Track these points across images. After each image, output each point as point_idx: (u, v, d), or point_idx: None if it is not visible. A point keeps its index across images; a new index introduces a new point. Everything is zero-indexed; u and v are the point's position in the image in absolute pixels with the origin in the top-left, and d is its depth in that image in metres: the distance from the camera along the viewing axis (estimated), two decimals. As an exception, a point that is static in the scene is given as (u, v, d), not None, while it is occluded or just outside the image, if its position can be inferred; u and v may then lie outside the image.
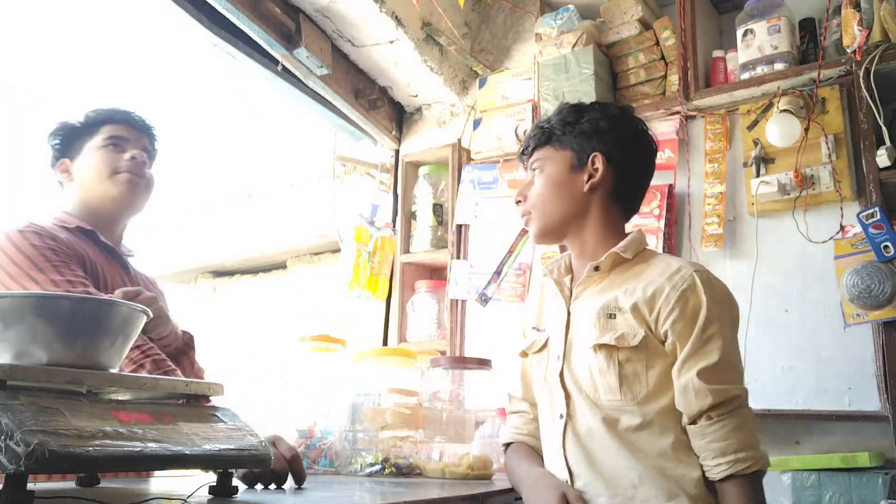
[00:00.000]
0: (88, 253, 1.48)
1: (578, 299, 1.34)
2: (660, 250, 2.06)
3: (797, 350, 1.94)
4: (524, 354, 1.45)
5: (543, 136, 1.39)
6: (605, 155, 1.33)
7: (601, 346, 1.23)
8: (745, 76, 2.14)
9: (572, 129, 1.36)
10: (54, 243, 1.39)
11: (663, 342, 1.22)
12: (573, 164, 1.35)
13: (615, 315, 1.24)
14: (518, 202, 1.41)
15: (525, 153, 1.43)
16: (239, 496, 0.90)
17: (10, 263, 1.34)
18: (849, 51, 1.94)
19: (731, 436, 1.14)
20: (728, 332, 1.21)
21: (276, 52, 2.23)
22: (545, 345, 1.38)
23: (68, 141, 1.61)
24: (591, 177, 1.33)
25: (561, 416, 1.28)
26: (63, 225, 1.50)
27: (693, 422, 1.17)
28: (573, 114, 1.38)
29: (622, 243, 1.31)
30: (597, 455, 1.23)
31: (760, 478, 1.16)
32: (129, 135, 1.61)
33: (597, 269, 1.31)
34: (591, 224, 1.35)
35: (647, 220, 2.17)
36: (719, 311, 1.21)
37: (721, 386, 1.16)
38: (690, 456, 1.19)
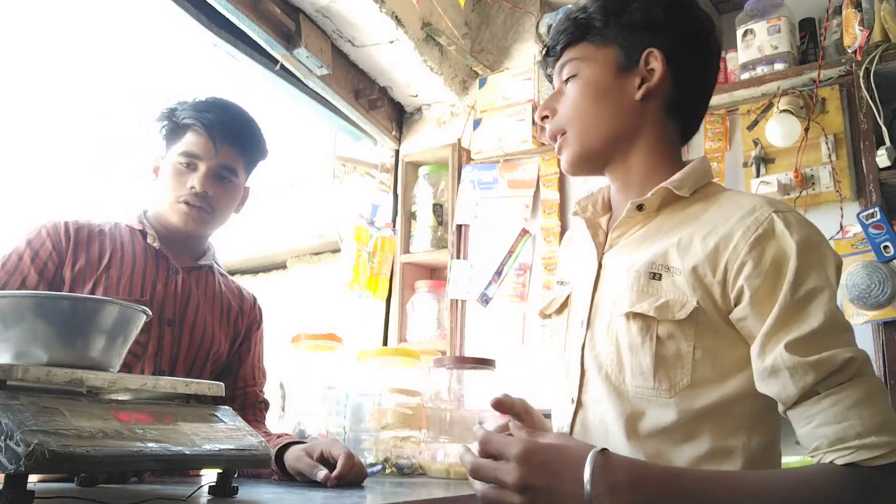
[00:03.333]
0: (132, 253, 1.44)
1: (614, 248, 1.01)
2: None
3: (797, 350, 1.94)
4: (543, 315, 1.14)
5: (579, 29, 1.03)
6: (662, 51, 0.99)
7: (636, 316, 0.92)
8: (745, 76, 2.14)
9: (618, 20, 1.01)
10: (36, 250, 1.37)
11: (727, 314, 0.88)
12: (621, 65, 1.00)
13: (661, 275, 0.92)
14: (544, 118, 1.07)
15: (551, 54, 1.07)
16: (239, 496, 0.90)
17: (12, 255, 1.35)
18: (850, 50, 1.95)
19: (850, 414, 0.77)
20: (830, 288, 0.85)
21: (276, 52, 2.24)
22: (566, 303, 1.07)
23: (166, 134, 1.49)
24: (644, 80, 0.99)
25: (572, 402, 0.99)
26: (129, 225, 1.48)
27: (793, 406, 0.83)
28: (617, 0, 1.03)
29: (679, 175, 0.97)
30: None
31: None
32: (205, 148, 1.44)
33: (640, 208, 0.98)
34: (641, 145, 1.01)
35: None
36: (816, 259, 0.85)
37: (823, 354, 0.79)
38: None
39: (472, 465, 0.83)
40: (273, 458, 0.98)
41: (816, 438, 0.80)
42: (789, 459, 1.85)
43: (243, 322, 1.60)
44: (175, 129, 1.47)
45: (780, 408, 0.85)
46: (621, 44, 1.01)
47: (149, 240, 1.47)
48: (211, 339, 1.50)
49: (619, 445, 0.90)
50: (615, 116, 1.01)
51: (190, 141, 1.45)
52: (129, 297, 1.38)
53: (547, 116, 1.06)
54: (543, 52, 1.09)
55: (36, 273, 1.35)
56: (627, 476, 0.76)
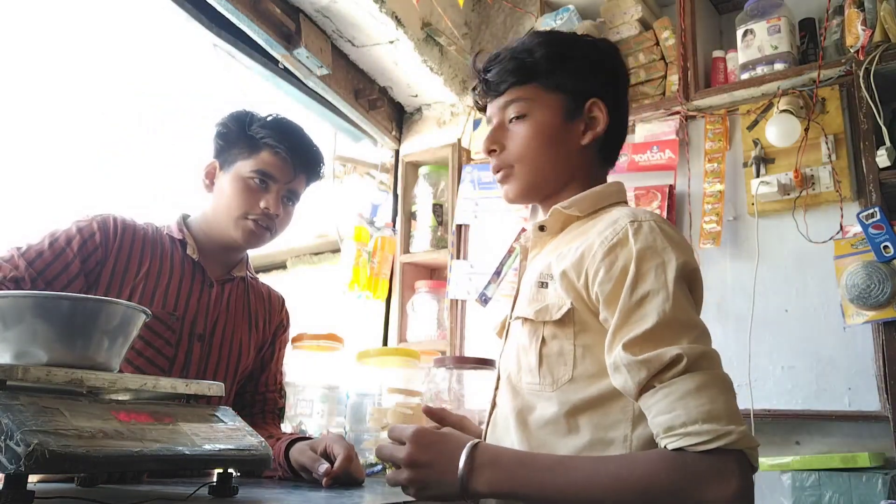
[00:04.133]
0: (169, 263, 1.42)
1: (528, 268, 1.12)
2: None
3: (797, 350, 1.94)
4: (498, 335, 1.21)
5: (525, 71, 1.08)
6: (604, 101, 1.08)
7: (525, 320, 1.02)
8: (745, 76, 2.14)
9: (563, 67, 1.08)
10: (84, 240, 1.34)
11: (597, 314, 0.96)
12: (568, 111, 1.08)
13: (546, 283, 1.01)
14: (491, 151, 1.12)
15: (493, 89, 1.12)
16: (239, 496, 0.90)
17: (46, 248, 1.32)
18: (852, 50, 1.95)
19: (677, 405, 0.82)
20: (670, 286, 0.89)
21: (276, 52, 2.24)
22: (504, 323, 1.17)
23: (228, 142, 1.48)
24: (587, 127, 1.09)
25: (490, 403, 1.10)
26: (168, 232, 1.46)
27: (637, 399, 0.89)
28: (560, 45, 1.09)
29: (573, 198, 1.07)
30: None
31: (736, 459, 0.80)
32: (282, 171, 1.45)
33: (542, 228, 1.09)
34: (577, 181, 1.10)
35: (647, 220, 2.17)
36: (656, 263, 0.91)
37: (652, 352, 0.85)
38: None
39: (377, 447, 0.99)
40: (273, 457, 0.98)
41: (654, 427, 0.86)
42: (787, 459, 1.85)
43: (270, 327, 1.60)
44: (248, 142, 1.46)
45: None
46: (568, 91, 1.08)
47: (188, 251, 1.46)
48: (238, 353, 1.49)
49: (514, 437, 1.00)
50: (561, 159, 1.09)
51: (268, 161, 1.45)
52: (163, 309, 1.38)
53: (495, 150, 1.12)
54: (483, 86, 1.14)
55: (79, 262, 1.32)
56: (487, 458, 0.90)
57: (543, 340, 0.99)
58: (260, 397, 1.56)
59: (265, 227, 1.46)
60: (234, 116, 1.49)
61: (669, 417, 0.83)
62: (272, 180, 1.45)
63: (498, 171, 1.13)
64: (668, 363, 0.84)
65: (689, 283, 0.94)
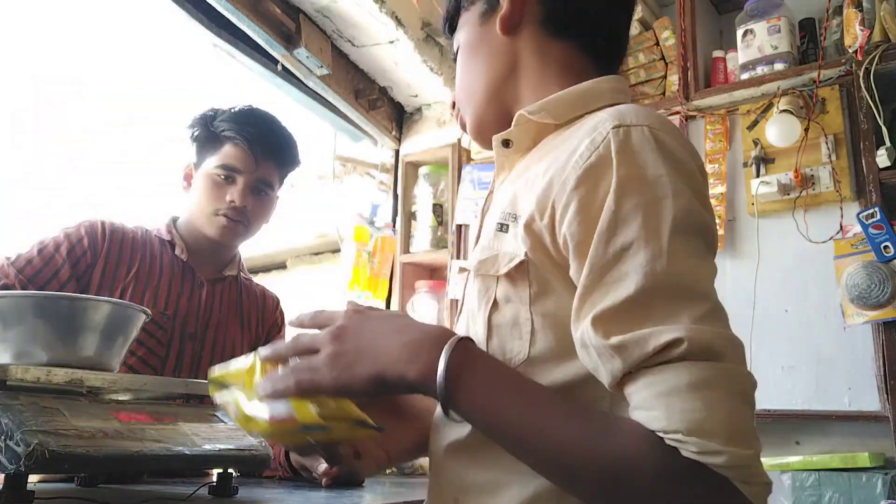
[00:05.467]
0: (159, 264, 1.43)
1: (493, 200, 0.85)
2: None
3: (797, 350, 1.94)
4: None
5: (453, 8, 0.90)
6: None
7: (476, 276, 0.75)
8: (745, 76, 2.14)
9: None
10: (73, 245, 1.35)
11: (567, 269, 0.66)
12: (484, 13, 0.85)
13: (507, 226, 0.73)
14: (454, 105, 0.93)
15: (449, 35, 0.93)
16: (239, 496, 0.90)
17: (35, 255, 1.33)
18: (850, 50, 1.94)
19: (657, 403, 0.56)
20: (664, 234, 0.61)
21: (276, 52, 2.24)
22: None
23: (199, 142, 1.48)
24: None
25: None
26: (158, 234, 1.48)
27: (614, 388, 0.62)
28: None
29: (540, 101, 0.78)
30: (434, 452, 0.78)
31: (723, 490, 0.54)
32: (245, 162, 1.43)
33: (506, 144, 0.81)
34: (526, 80, 0.82)
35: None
36: (646, 199, 0.62)
37: (630, 335, 0.58)
38: None
39: (290, 342, 0.72)
40: (273, 457, 0.98)
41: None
42: (790, 459, 1.85)
43: (264, 327, 1.60)
44: (212, 139, 1.46)
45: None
46: None
47: (177, 251, 1.47)
48: (231, 353, 1.49)
49: (441, 432, 0.76)
50: (486, 63, 0.85)
51: (229, 154, 1.44)
52: (154, 309, 1.37)
53: (454, 103, 0.93)
54: (446, 33, 0.94)
55: (69, 267, 1.33)
56: (479, 365, 0.66)
57: (495, 303, 0.72)
58: None
59: (237, 220, 1.44)
60: (201, 115, 1.49)
61: (646, 416, 0.57)
62: (237, 173, 1.44)
63: (461, 123, 0.92)
64: (652, 352, 0.57)
65: (698, 230, 0.64)
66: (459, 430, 0.72)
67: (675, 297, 0.60)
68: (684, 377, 0.56)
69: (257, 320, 1.58)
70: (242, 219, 1.45)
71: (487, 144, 0.85)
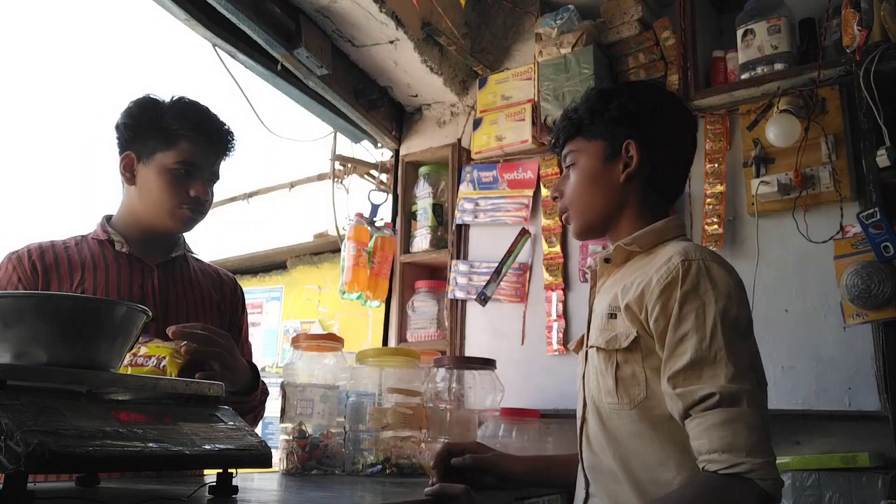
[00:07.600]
0: (103, 263, 1.46)
1: (598, 295, 1.30)
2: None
3: (797, 350, 1.94)
4: (575, 351, 1.39)
5: (573, 127, 1.32)
6: (638, 141, 1.26)
7: (598, 349, 1.19)
8: (745, 76, 2.14)
9: (601, 118, 1.29)
10: (22, 272, 1.40)
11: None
12: (606, 155, 1.28)
13: (615, 315, 1.18)
14: (555, 198, 1.36)
15: (556, 146, 1.38)
16: (239, 496, 0.90)
17: None
18: (848, 51, 1.94)
19: (704, 434, 1.02)
20: (707, 327, 1.07)
21: (276, 52, 2.23)
22: (581, 341, 1.33)
23: (142, 133, 1.50)
24: (626, 166, 1.26)
25: (579, 419, 1.26)
26: (94, 237, 1.50)
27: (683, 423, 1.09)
28: (600, 100, 1.31)
29: (633, 235, 1.25)
30: (602, 464, 1.18)
31: (744, 490, 0.99)
32: (204, 157, 1.52)
33: (607, 261, 1.27)
34: (628, 215, 1.28)
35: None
36: (696, 305, 1.08)
37: (686, 388, 1.05)
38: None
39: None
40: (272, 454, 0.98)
41: (693, 449, 1.05)
42: (787, 459, 1.85)
43: (227, 308, 1.65)
44: (165, 135, 1.48)
45: None
46: (605, 137, 1.28)
47: (117, 247, 1.50)
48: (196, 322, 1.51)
49: (605, 449, 1.17)
50: (604, 196, 1.28)
51: (189, 150, 1.49)
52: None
53: (557, 197, 1.35)
54: (552, 143, 1.41)
55: None
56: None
57: (617, 365, 1.15)
58: None
59: (198, 211, 1.53)
60: (141, 106, 1.52)
61: (698, 444, 1.03)
62: (196, 168, 1.51)
63: (562, 215, 1.35)
64: (698, 400, 1.03)
65: (732, 323, 1.08)
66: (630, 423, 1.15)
67: (714, 365, 1.04)
68: (718, 418, 1.01)
69: (218, 303, 1.63)
70: (203, 209, 1.54)
71: (582, 237, 1.36)
